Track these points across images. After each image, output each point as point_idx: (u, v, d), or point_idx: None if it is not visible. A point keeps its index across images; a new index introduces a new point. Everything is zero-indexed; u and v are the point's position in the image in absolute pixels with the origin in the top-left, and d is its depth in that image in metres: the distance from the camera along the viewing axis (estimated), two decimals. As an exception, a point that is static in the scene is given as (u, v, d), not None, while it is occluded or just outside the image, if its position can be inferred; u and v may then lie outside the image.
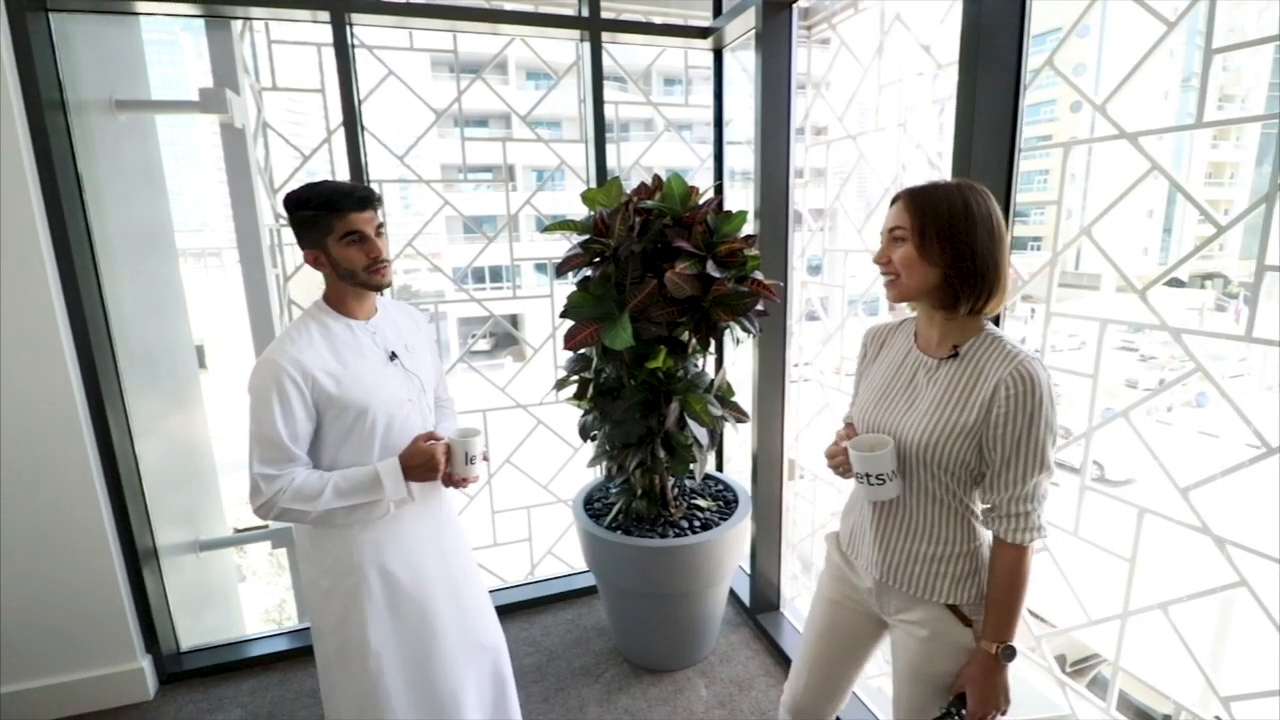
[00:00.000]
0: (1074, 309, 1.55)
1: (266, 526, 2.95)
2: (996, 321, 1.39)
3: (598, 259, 1.97)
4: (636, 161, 2.95)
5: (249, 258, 2.62)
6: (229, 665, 2.36)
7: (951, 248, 1.06)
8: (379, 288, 1.37)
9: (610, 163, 2.57)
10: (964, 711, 1.15)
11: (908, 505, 1.19)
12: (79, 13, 2.00)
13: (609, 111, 2.52)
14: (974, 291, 1.07)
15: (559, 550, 2.99)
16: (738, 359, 2.98)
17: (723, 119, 2.65)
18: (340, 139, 2.31)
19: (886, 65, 2.15)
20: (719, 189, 2.71)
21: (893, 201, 1.17)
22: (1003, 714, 1.15)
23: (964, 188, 1.09)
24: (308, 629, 2.57)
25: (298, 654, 2.43)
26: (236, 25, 2.52)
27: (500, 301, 2.82)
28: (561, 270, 1.94)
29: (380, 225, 1.36)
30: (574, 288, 1.99)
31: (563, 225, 1.97)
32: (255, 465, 1.29)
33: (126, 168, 2.35)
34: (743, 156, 2.79)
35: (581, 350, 2.08)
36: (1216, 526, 1.32)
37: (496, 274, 14.86)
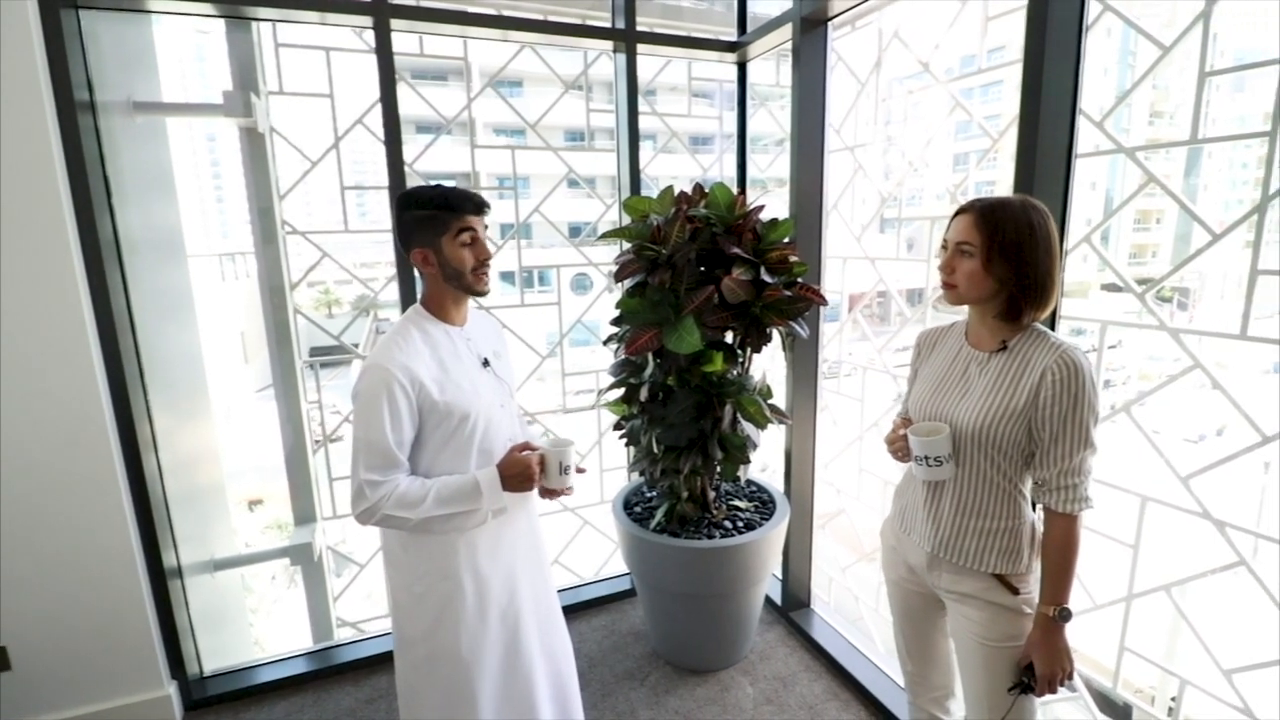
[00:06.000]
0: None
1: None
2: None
3: (650, 265, 2.00)
4: (641, 170, 3.00)
5: (270, 264, 2.54)
6: (255, 689, 2.26)
7: (1016, 266, 1.17)
8: (481, 293, 1.37)
9: (600, 170, 2.62)
10: (1034, 680, 1.23)
11: (959, 484, 1.29)
12: (109, 10, 1.92)
13: (585, 120, 2.61)
14: (1034, 303, 1.19)
15: (565, 559, 2.97)
16: (754, 362, 3.05)
17: (746, 130, 2.72)
18: (346, 144, 2.32)
19: (883, 81, 2.27)
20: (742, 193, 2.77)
21: (958, 213, 1.26)
22: (1069, 676, 1.23)
23: (1029, 207, 1.19)
24: (328, 649, 2.49)
25: (325, 674, 2.35)
26: (254, 28, 2.45)
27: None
28: (620, 276, 1.96)
29: (486, 227, 1.37)
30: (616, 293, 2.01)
31: (617, 233, 2.00)
32: (361, 472, 1.27)
33: (145, 171, 2.26)
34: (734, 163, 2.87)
35: (625, 357, 2.11)
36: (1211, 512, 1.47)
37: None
